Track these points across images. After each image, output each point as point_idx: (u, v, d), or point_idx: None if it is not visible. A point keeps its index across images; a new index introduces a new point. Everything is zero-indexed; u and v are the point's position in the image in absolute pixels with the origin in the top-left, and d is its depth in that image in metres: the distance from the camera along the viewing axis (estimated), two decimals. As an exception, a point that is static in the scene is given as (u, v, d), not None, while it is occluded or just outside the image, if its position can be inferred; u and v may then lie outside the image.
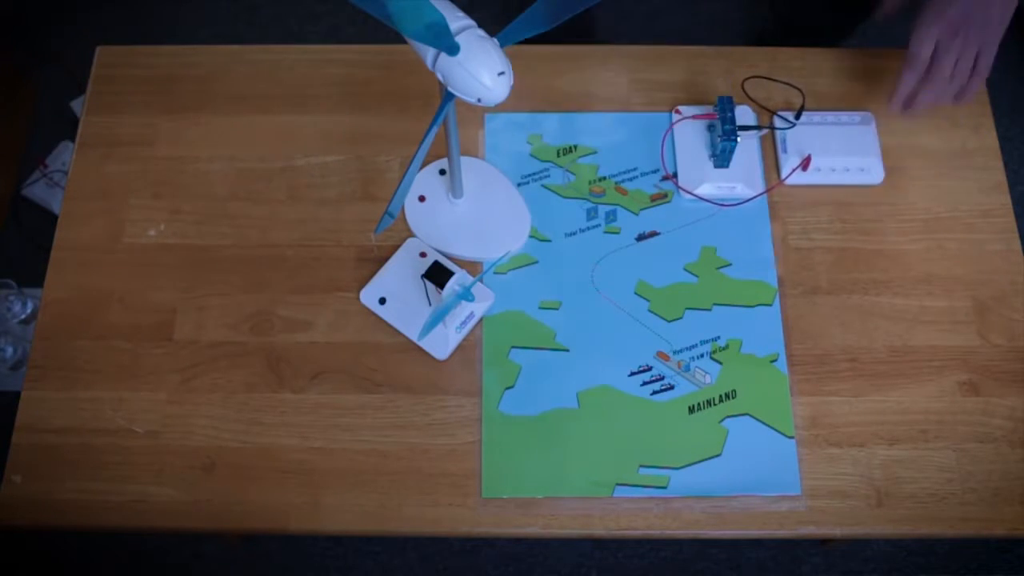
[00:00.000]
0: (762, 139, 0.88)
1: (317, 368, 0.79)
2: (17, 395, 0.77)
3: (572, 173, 0.87)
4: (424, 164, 0.86)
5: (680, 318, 0.81)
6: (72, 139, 0.89)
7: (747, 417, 0.77)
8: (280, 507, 0.74)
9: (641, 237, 0.84)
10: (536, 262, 0.83)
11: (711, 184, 0.85)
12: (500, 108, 0.88)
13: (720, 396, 0.78)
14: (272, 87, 0.91)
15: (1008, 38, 0.79)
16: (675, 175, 0.87)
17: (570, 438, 0.76)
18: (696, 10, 1.73)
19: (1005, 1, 0.77)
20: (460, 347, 0.79)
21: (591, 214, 0.85)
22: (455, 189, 0.83)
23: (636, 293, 0.82)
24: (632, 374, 0.79)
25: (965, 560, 1.33)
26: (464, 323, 0.79)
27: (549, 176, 0.87)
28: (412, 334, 0.79)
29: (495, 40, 0.60)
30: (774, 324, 0.81)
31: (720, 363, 0.79)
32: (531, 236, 0.84)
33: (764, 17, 1.64)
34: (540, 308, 0.81)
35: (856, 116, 0.88)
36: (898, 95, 0.80)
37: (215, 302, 0.81)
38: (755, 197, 0.85)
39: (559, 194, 0.86)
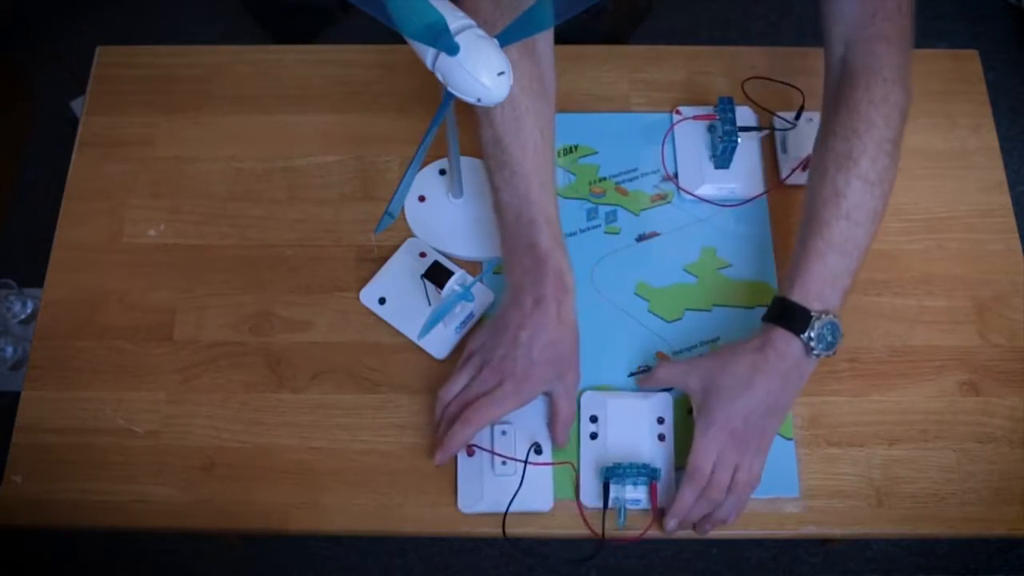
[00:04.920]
0: (762, 139, 0.88)
1: (317, 368, 0.79)
2: (17, 395, 0.77)
3: (572, 173, 0.87)
4: (424, 164, 0.86)
5: (680, 319, 0.81)
6: (73, 136, 0.89)
7: (747, 417, 0.77)
8: (280, 507, 0.74)
9: (641, 238, 0.84)
10: (536, 262, 0.83)
11: (711, 185, 0.85)
12: (500, 108, 0.88)
13: (720, 396, 0.77)
14: (272, 87, 0.91)
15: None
16: (675, 176, 0.87)
17: (570, 438, 0.76)
18: (696, 10, 1.73)
19: (782, 408, 0.71)
20: (460, 347, 0.79)
21: (591, 214, 0.85)
22: (455, 189, 0.83)
23: (636, 293, 0.82)
24: (632, 374, 0.79)
25: (965, 560, 1.33)
26: (464, 323, 0.79)
27: (549, 176, 0.87)
28: (412, 334, 0.79)
29: (495, 40, 0.60)
30: (774, 324, 0.80)
31: (720, 363, 0.79)
32: (531, 236, 0.84)
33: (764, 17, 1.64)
34: (540, 308, 0.81)
35: (856, 116, 0.88)
36: (676, 512, 0.70)
37: (215, 302, 0.81)
38: (755, 198, 0.85)
39: (559, 194, 0.86)
